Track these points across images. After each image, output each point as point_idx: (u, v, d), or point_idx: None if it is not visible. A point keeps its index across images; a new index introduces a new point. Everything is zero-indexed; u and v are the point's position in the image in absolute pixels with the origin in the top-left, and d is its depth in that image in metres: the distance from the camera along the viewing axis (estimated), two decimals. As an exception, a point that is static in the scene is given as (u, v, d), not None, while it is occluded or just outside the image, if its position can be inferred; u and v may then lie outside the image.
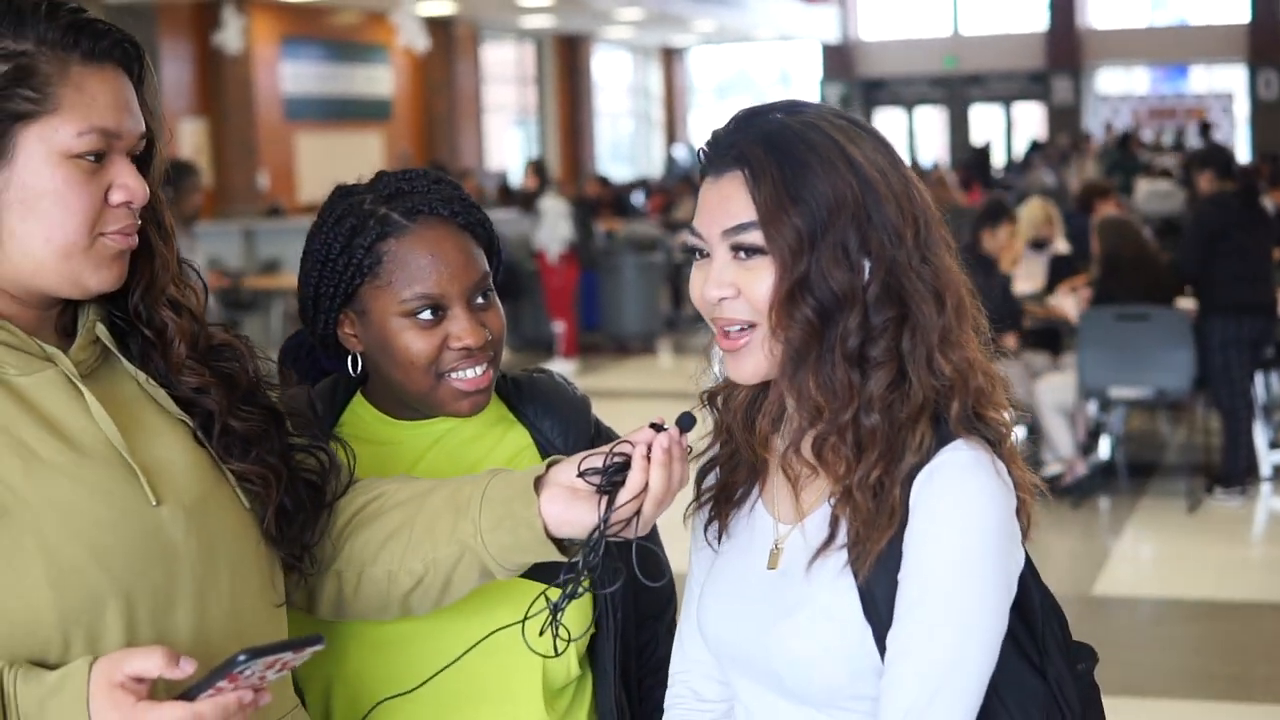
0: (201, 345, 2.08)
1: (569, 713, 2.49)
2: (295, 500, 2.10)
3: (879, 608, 1.99)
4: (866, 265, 1.99)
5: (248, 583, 2.03)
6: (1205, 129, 27.98)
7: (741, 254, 2.02)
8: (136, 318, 2.05)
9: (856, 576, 1.99)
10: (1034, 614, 2.06)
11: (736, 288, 2.03)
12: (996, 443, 2.03)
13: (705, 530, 2.21)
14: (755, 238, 2.01)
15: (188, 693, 1.72)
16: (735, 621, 2.13)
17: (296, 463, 2.13)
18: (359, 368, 2.45)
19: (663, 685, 2.54)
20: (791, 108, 2.07)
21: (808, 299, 1.98)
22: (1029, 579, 2.06)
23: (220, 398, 2.06)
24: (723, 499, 2.19)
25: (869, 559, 1.99)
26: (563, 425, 2.50)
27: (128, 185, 1.95)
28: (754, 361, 2.05)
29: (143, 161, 2.02)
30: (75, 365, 1.96)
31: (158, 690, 1.75)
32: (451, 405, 2.38)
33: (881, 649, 1.99)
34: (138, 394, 2.02)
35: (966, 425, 2.01)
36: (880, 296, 1.99)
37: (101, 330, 2.02)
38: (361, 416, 2.49)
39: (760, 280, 2.01)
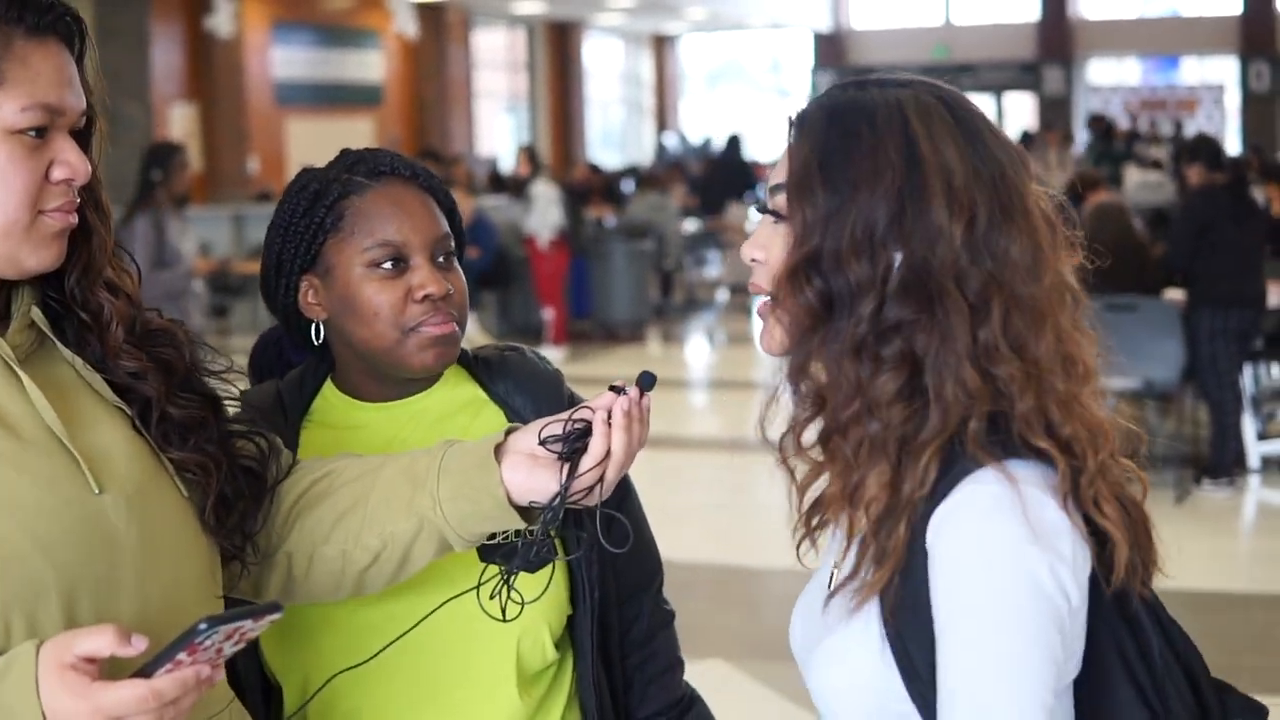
0: (139, 329, 2.05)
1: (547, 697, 2.48)
2: (235, 489, 2.07)
3: (912, 658, 1.83)
4: (897, 257, 1.86)
5: (188, 572, 2.00)
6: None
7: (772, 216, 1.96)
8: (72, 300, 2.02)
9: (868, 616, 1.87)
10: (1153, 660, 1.89)
11: (766, 251, 1.96)
12: (1069, 472, 1.84)
13: (797, 542, 2.05)
14: (782, 202, 1.93)
15: (144, 669, 1.68)
16: (797, 637, 2.07)
17: (236, 449, 2.10)
18: (321, 337, 2.44)
19: (650, 660, 2.53)
20: (898, 82, 1.95)
21: (814, 279, 1.88)
22: (1146, 621, 1.90)
23: (158, 384, 2.02)
24: (814, 510, 2.02)
25: (864, 597, 1.86)
26: (535, 401, 2.48)
27: (70, 162, 1.92)
28: (768, 336, 1.97)
29: (82, 139, 1.98)
30: (11, 350, 1.93)
31: (109, 670, 1.71)
32: (418, 358, 2.38)
33: (915, 698, 1.84)
34: (74, 380, 1.99)
35: (994, 449, 1.82)
36: (900, 292, 1.85)
37: (37, 314, 1.98)
38: (331, 403, 2.49)
39: (780, 247, 1.93)
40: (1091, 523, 1.86)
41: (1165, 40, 33.54)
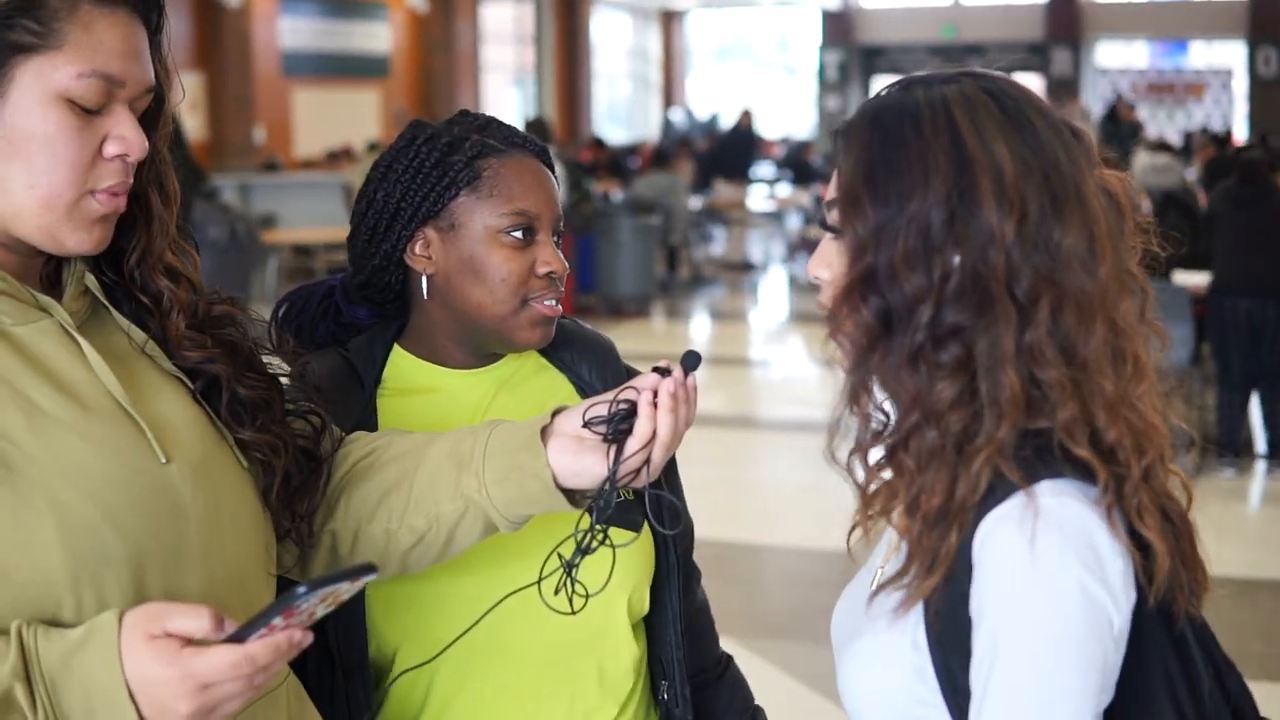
0: (200, 314, 2.01)
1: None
2: (296, 467, 2.05)
3: (952, 671, 1.80)
4: (955, 260, 1.80)
5: (250, 546, 1.97)
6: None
7: (831, 233, 1.91)
8: (131, 284, 1.98)
9: (908, 622, 1.83)
10: (1202, 699, 1.82)
11: (830, 269, 1.91)
12: (1111, 483, 1.77)
13: (850, 529, 1.98)
14: (836, 218, 1.88)
15: (237, 634, 1.65)
16: (836, 629, 2.03)
17: (293, 428, 2.08)
18: (428, 293, 2.41)
19: (698, 615, 2.57)
20: (944, 78, 1.90)
21: (870, 298, 1.82)
22: (1196, 654, 1.83)
23: (226, 364, 1.99)
24: (872, 500, 1.94)
25: (911, 602, 1.81)
26: (600, 368, 2.49)
27: (125, 137, 1.86)
28: (841, 355, 1.91)
29: (149, 117, 1.93)
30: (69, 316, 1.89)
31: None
32: (525, 333, 2.37)
33: (953, 711, 1.81)
34: (130, 349, 1.95)
35: (1027, 466, 1.77)
36: (956, 296, 1.79)
37: (91, 280, 1.94)
38: (405, 369, 2.45)
39: (841, 264, 1.87)
40: (1135, 534, 1.79)
41: (1174, 23, 33.46)
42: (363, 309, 2.51)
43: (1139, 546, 1.78)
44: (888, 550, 1.96)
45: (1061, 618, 1.72)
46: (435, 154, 2.38)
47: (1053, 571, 1.72)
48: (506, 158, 2.38)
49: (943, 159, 1.80)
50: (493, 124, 2.44)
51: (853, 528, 1.97)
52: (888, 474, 1.90)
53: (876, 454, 1.90)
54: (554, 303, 2.38)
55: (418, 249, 2.39)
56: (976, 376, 1.80)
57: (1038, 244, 1.80)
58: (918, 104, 1.85)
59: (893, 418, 1.87)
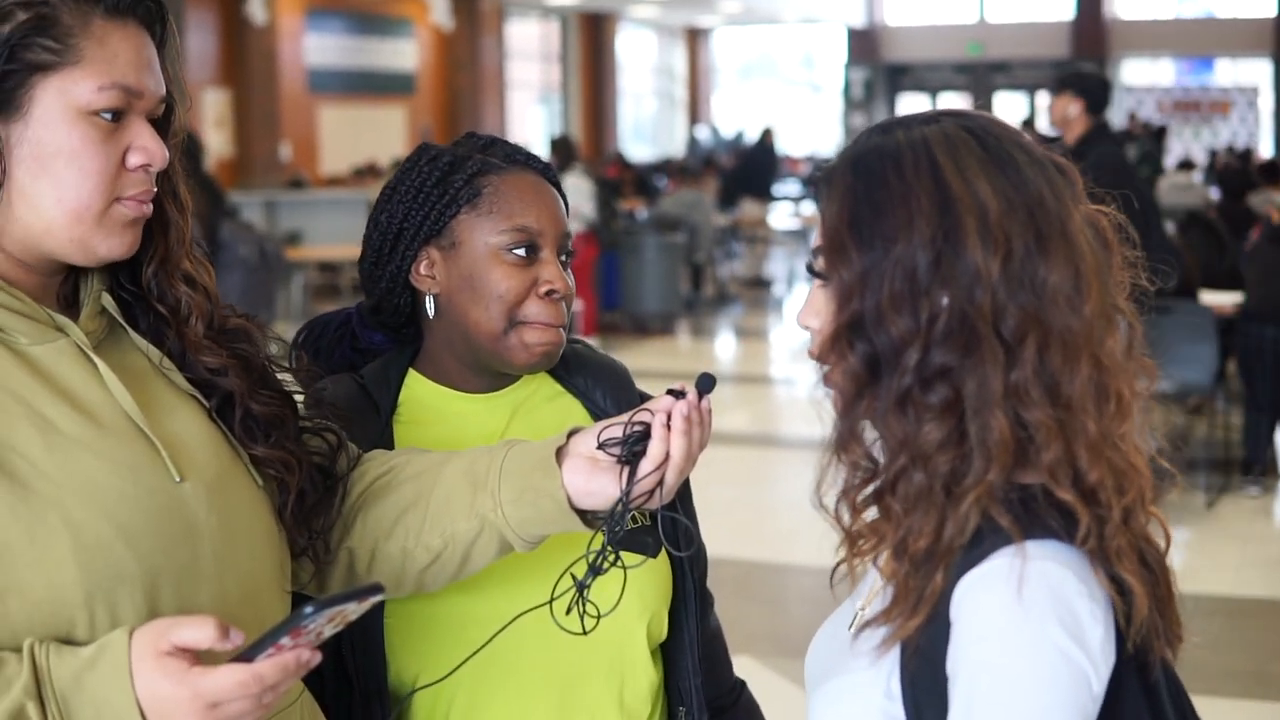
0: (216, 324, 2.03)
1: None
2: (311, 485, 2.06)
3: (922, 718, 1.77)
4: (943, 301, 1.76)
5: (264, 563, 1.99)
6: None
7: (820, 279, 1.89)
8: (149, 293, 2.00)
9: (883, 666, 1.80)
10: None
11: (820, 317, 1.88)
12: (1094, 527, 1.75)
13: (834, 566, 1.96)
14: (822, 265, 1.86)
15: (245, 654, 1.66)
16: (809, 668, 2.01)
17: (308, 446, 2.09)
18: (434, 311, 2.39)
19: (713, 641, 2.55)
20: (924, 119, 1.86)
21: (856, 344, 1.79)
22: (1167, 707, 1.81)
23: (239, 379, 2.01)
24: (859, 538, 1.91)
25: (892, 642, 1.78)
26: (615, 394, 2.48)
27: (146, 147, 1.89)
28: (830, 400, 1.89)
29: (161, 127, 1.95)
30: (85, 336, 1.91)
31: (201, 658, 1.69)
32: (519, 354, 2.35)
33: None
34: (147, 368, 1.97)
35: (1015, 514, 1.75)
36: (945, 336, 1.76)
37: (108, 300, 1.96)
38: (420, 394, 2.44)
39: (828, 311, 1.84)
40: (1114, 577, 1.77)
41: (1200, 41, 33.43)
42: (378, 334, 2.51)
43: (1119, 591, 1.77)
44: (869, 593, 1.94)
45: (1041, 678, 1.70)
46: (436, 173, 2.37)
47: (1033, 633, 1.70)
48: (507, 174, 2.38)
49: (926, 200, 1.78)
50: (497, 143, 2.43)
51: (836, 565, 1.95)
52: (872, 513, 1.87)
53: (863, 496, 1.88)
54: (550, 325, 2.35)
55: (422, 269, 2.38)
56: (964, 418, 1.77)
57: (1023, 281, 1.77)
58: (898, 146, 1.83)
59: (881, 463, 1.85)
